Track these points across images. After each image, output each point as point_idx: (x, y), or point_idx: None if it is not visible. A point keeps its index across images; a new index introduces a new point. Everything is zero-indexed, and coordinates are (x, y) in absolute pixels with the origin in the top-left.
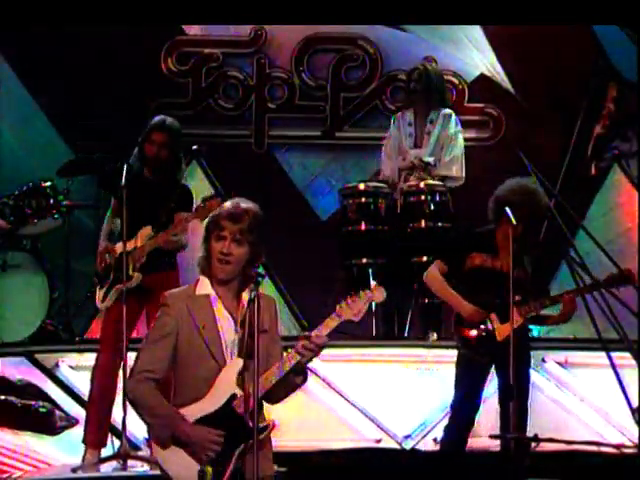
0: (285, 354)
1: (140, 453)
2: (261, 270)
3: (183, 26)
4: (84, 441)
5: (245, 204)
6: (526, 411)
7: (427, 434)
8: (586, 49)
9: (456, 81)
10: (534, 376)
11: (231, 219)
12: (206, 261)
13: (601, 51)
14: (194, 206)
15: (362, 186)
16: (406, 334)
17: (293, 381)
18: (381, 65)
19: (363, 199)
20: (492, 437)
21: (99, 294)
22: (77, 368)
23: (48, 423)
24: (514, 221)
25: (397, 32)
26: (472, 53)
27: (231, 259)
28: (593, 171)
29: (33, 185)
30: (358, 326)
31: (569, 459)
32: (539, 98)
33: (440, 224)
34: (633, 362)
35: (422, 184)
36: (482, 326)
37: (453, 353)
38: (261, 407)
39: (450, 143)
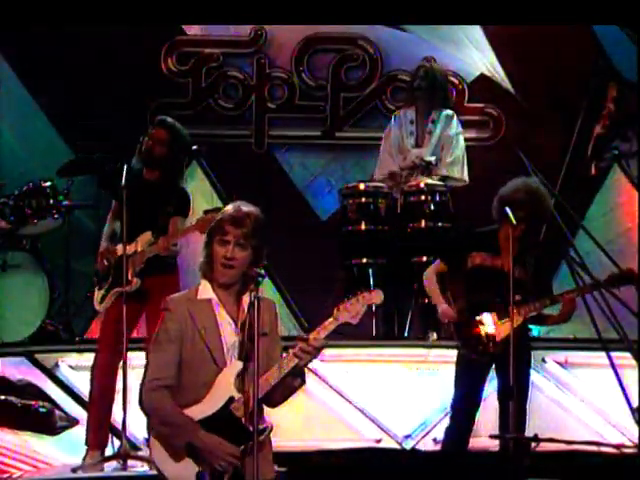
0: (283, 357)
1: (140, 453)
2: (261, 270)
3: (183, 26)
4: (86, 442)
5: (247, 207)
6: (525, 411)
7: (427, 434)
8: (586, 49)
9: (456, 81)
10: (534, 376)
11: (234, 223)
12: (208, 265)
13: (601, 51)
14: (191, 211)
15: (362, 186)
16: (406, 334)
17: (291, 384)
18: (381, 65)
19: (363, 199)
20: (492, 437)
21: (97, 295)
22: (77, 368)
23: (48, 423)
24: (514, 221)
25: (397, 32)
26: (472, 53)
27: (235, 263)
28: (593, 171)
29: (33, 185)
30: (358, 326)
31: (569, 459)
32: (539, 98)
33: (440, 224)
34: (633, 362)
35: (422, 184)
36: (481, 326)
37: (453, 353)
38: (260, 410)
39: (452, 144)
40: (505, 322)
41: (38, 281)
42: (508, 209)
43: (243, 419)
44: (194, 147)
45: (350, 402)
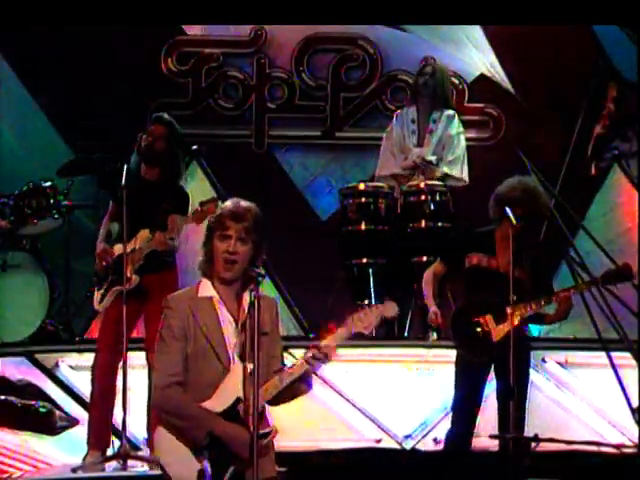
0: (294, 362)
1: (140, 453)
2: (261, 270)
3: (183, 26)
4: (87, 442)
5: (245, 203)
6: (524, 411)
7: (427, 434)
8: (586, 49)
9: (456, 81)
10: (534, 376)
11: (234, 218)
12: (208, 264)
13: (601, 51)
14: (190, 209)
15: (362, 186)
16: (406, 334)
17: (298, 388)
18: (381, 65)
19: (363, 199)
20: (492, 437)
21: (96, 295)
22: (77, 368)
23: (48, 423)
24: (514, 221)
25: (397, 32)
26: (472, 53)
27: (237, 258)
28: (593, 171)
29: (33, 185)
30: None
31: (569, 459)
32: (539, 98)
33: (440, 224)
34: (633, 362)
35: (422, 184)
36: (478, 328)
37: (453, 353)
38: (263, 411)
39: (452, 143)
40: (502, 322)
41: (38, 281)
42: (508, 209)
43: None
44: (194, 147)
45: (350, 402)
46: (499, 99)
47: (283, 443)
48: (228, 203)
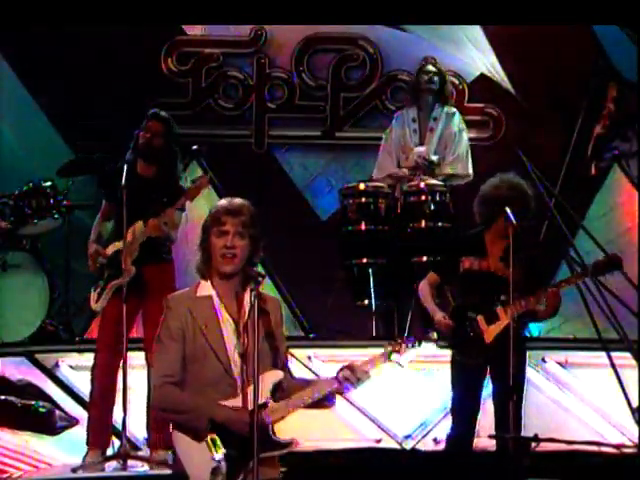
0: (325, 379)
1: (140, 453)
2: (261, 270)
3: (183, 26)
4: (87, 442)
5: (239, 199)
6: (521, 409)
7: (427, 434)
8: (586, 49)
9: (456, 81)
10: (534, 376)
11: (230, 213)
12: (205, 264)
13: (601, 51)
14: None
15: (362, 186)
16: (406, 334)
17: (321, 403)
18: (381, 65)
19: (363, 199)
20: (491, 437)
21: (93, 296)
22: (77, 368)
23: (48, 423)
24: (514, 221)
25: (397, 32)
26: (472, 53)
27: (236, 252)
28: (593, 171)
29: (33, 185)
30: (358, 326)
31: (569, 459)
32: (539, 98)
33: (440, 224)
34: (633, 362)
35: (422, 184)
36: (470, 329)
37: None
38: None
39: (454, 141)
40: (494, 323)
41: (38, 281)
42: (508, 209)
43: (271, 427)
44: (194, 147)
45: (350, 402)
46: (499, 99)
47: None
48: (222, 201)
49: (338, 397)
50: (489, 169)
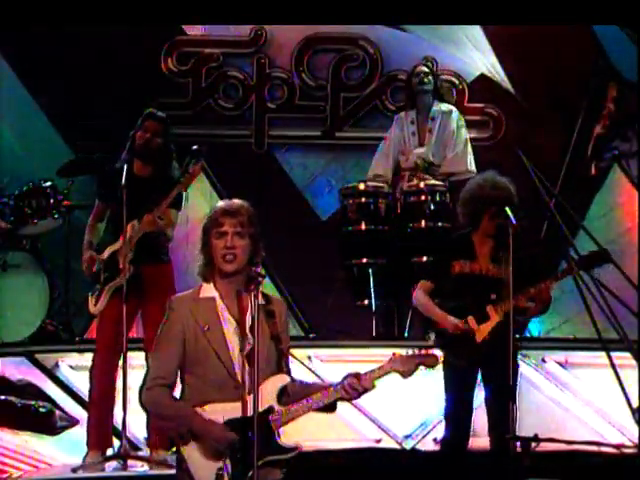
0: (330, 387)
1: (140, 453)
2: (262, 271)
3: (183, 26)
4: (87, 442)
5: (237, 200)
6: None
7: (427, 434)
8: (586, 49)
9: (456, 81)
10: (534, 376)
11: (229, 214)
12: (207, 266)
13: (601, 51)
14: (183, 204)
15: (362, 186)
16: (406, 334)
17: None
18: (381, 65)
19: (363, 199)
20: (489, 437)
21: (91, 300)
22: (77, 368)
23: (48, 423)
24: (514, 220)
25: (397, 32)
26: (472, 53)
27: (236, 252)
28: (593, 171)
29: (33, 185)
30: (358, 326)
31: (569, 459)
32: (539, 98)
33: (440, 224)
34: (633, 362)
35: (422, 184)
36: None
37: None
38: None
39: (452, 139)
40: (484, 322)
41: (38, 281)
42: (508, 209)
43: (276, 431)
44: (194, 147)
45: (350, 402)
46: (499, 99)
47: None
48: (220, 203)
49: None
50: (489, 169)
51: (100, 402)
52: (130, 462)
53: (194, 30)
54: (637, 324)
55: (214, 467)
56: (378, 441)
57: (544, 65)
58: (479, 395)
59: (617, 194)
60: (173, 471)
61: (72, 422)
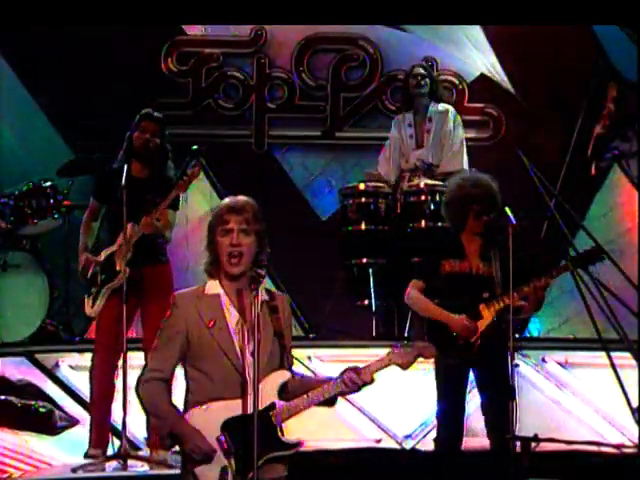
0: (329, 382)
1: (140, 453)
2: (262, 271)
3: (183, 26)
4: (90, 442)
5: (243, 197)
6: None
7: (427, 434)
8: (586, 49)
9: (456, 81)
10: (534, 376)
11: (234, 211)
12: (213, 264)
13: (601, 51)
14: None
15: (362, 186)
16: (406, 334)
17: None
18: (381, 65)
19: (363, 199)
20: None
21: (87, 301)
22: (77, 368)
23: (48, 423)
24: (514, 220)
25: (397, 32)
26: (472, 53)
27: (242, 250)
28: (593, 171)
29: (33, 185)
30: (358, 326)
31: (569, 459)
32: (539, 98)
33: (440, 224)
34: (633, 362)
35: (422, 184)
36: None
37: None
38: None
39: (449, 139)
40: (477, 321)
41: (38, 281)
42: (508, 209)
43: (279, 427)
44: (194, 147)
45: (350, 402)
46: (499, 99)
47: None
48: (226, 200)
49: (338, 399)
50: (489, 169)
51: (100, 402)
52: (130, 462)
53: (194, 30)
54: (637, 324)
55: (218, 466)
56: (378, 441)
57: (544, 65)
58: (476, 397)
59: (617, 194)
60: (173, 471)
61: (72, 422)
